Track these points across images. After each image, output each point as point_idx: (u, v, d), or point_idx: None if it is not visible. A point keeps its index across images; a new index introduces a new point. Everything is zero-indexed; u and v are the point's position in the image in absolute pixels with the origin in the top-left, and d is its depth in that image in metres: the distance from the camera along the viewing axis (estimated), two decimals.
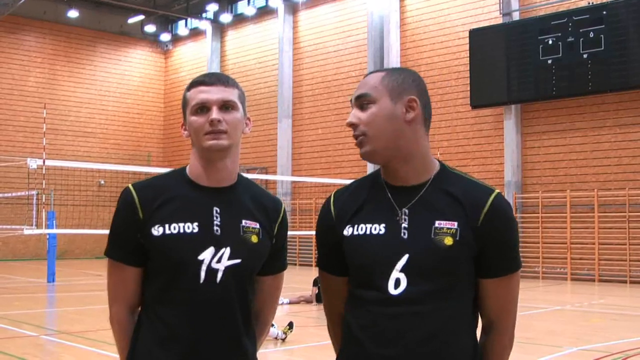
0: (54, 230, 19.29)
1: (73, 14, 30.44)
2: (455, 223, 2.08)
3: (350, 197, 2.25)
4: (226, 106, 2.32)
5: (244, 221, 2.35)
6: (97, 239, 29.49)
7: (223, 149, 2.31)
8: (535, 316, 12.87)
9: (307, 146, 27.36)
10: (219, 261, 2.28)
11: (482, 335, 2.24)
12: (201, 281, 2.26)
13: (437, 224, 2.09)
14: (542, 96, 20.77)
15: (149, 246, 2.29)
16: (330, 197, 2.31)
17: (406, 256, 2.08)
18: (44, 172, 16.65)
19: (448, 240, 2.07)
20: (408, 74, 2.20)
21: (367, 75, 2.24)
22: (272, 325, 9.51)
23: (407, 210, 2.12)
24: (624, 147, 19.70)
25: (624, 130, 19.69)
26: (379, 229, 2.13)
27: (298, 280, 17.56)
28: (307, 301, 14.42)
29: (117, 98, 32.91)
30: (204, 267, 2.26)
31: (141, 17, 32.27)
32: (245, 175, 2.50)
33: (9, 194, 24.82)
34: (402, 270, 2.07)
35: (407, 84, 2.17)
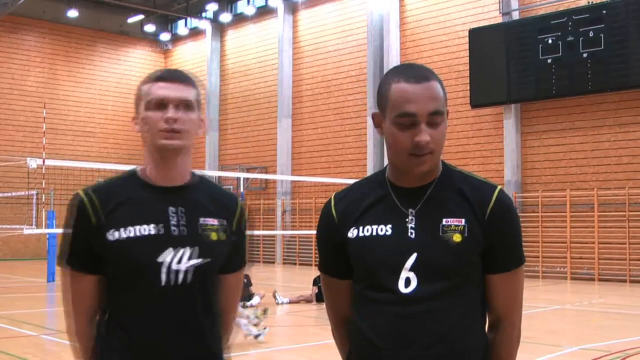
0: (54, 230, 19.29)
1: (73, 13, 30.43)
2: (463, 220, 2.09)
3: (353, 199, 2.22)
4: (184, 105, 2.26)
5: (201, 219, 2.29)
6: None
7: (176, 148, 2.26)
8: (535, 315, 12.87)
9: (307, 146, 27.35)
10: (179, 262, 2.22)
11: (489, 332, 2.24)
12: (162, 284, 2.20)
13: (444, 221, 2.09)
14: (542, 95, 20.76)
15: (104, 252, 2.22)
16: (330, 200, 2.28)
17: (414, 255, 2.07)
18: (43, 171, 16.66)
19: (457, 237, 2.07)
20: (439, 79, 2.18)
21: (418, 79, 2.08)
22: (245, 323, 9.49)
23: (413, 211, 2.12)
24: (623, 147, 19.70)
25: (623, 130, 19.69)
26: (385, 229, 2.12)
27: (298, 279, 17.57)
28: (307, 301, 14.42)
29: (116, 97, 32.89)
30: (164, 269, 2.20)
31: (141, 16, 32.26)
32: (199, 172, 2.44)
33: (9, 194, 24.82)
34: (411, 269, 2.07)
35: (446, 92, 2.16)
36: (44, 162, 15.88)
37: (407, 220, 2.11)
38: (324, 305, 13.77)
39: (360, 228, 2.15)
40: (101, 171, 27.07)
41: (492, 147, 22.24)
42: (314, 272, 16.35)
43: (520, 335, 2.29)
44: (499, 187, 2.17)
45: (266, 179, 27.84)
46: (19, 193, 23.75)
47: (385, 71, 20.46)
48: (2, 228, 22.80)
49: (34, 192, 22.09)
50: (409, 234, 2.09)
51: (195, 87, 2.33)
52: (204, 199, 2.34)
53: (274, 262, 27.12)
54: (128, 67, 33.51)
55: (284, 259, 27.19)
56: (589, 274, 19.96)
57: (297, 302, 14.35)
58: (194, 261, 2.24)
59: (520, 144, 21.59)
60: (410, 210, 2.12)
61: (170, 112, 2.23)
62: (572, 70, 19.95)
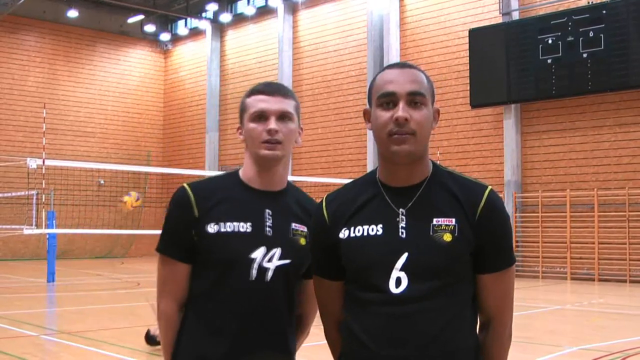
0: (54, 230, 19.29)
1: (73, 13, 30.43)
2: (453, 220, 2.11)
3: (345, 200, 2.24)
4: (283, 117, 2.45)
5: (293, 224, 2.47)
6: (96, 239, 29.53)
7: (277, 158, 2.44)
8: (534, 316, 12.87)
9: (307, 145, 27.35)
10: (269, 260, 2.39)
11: (481, 331, 2.24)
12: (252, 279, 2.36)
13: (435, 221, 2.10)
14: (542, 96, 20.76)
15: (202, 243, 2.39)
16: (322, 201, 2.33)
17: (405, 255, 2.08)
18: (43, 171, 16.65)
19: (447, 237, 2.09)
20: (428, 76, 2.24)
21: (401, 66, 2.19)
22: None
23: (404, 210, 2.13)
24: (623, 147, 19.70)
25: (623, 130, 19.69)
26: (376, 229, 2.13)
27: None
28: None
29: (116, 98, 32.90)
30: (255, 265, 2.37)
31: (141, 16, 32.27)
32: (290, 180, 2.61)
33: (9, 194, 24.82)
34: (402, 269, 2.08)
35: (434, 90, 2.23)
36: (44, 162, 15.88)
37: (397, 219, 2.12)
38: None
39: (352, 229, 2.17)
40: (101, 171, 27.15)
41: (492, 147, 22.24)
42: None
43: (512, 334, 2.29)
44: (490, 187, 2.19)
45: None
46: (19, 193, 23.75)
47: None
48: (2, 228, 22.81)
49: (34, 192, 22.09)
50: (400, 233, 2.11)
51: (294, 99, 2.53)
52: (296, 206, 2.52)
53: None
54: (128, 67, 33.51)
55: None
56: (588, 274, 19.96)
57: None
58: (283, 261, 2.41)
59: (520, 144, 21.59)
60: (401, 209, 2.13)
61: (272, 124, 2.41)
62: (572, 70, 19.95)
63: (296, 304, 2.51)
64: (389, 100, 2.11)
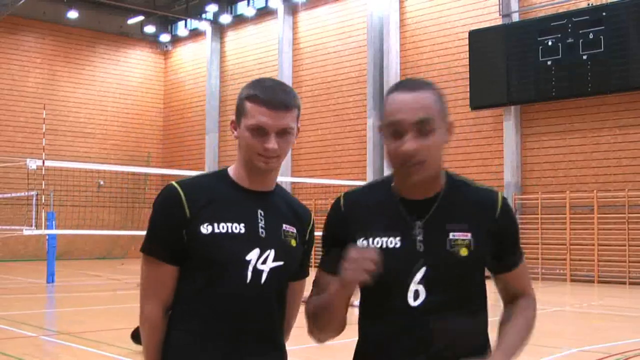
0: (54, 231, 19.29)
1: (73, 14, 30.44)
2: (469, 234, 2.14)
3: (363, 204, 2.25)
4: (284, 132, 2.33)
5: (284, 225, 2.41)
6: (96, 240, 29.50)
7: (271, 170, 2.38)
8: None
9: (306, 147, 27.35)
10: (264, 262, 2.33)
11: (506, 308, 2.33)
12: (247, 281, 2.30)
13: (451, 235, 2.13)
14: (542, 97, 20.77)
15: (194, 244, 2.29)
16: (340, 198, 2.32)
17: (424, 269, 2.11)
18: (43, 172, 16.66)
19: (463, 251, 2.12)
20: (441, 92, 2.18)
21: (410, 89, 2.11)
22: None
23: (421, 223, 2.14)
24: (623, 149, 19.70)
25: (623, 132, 19.69)
26: (394, 242, 2.14)
27: None
28: None
29: (116, 99, 32.91)
30: (250, 268, 2.31)
31: (141, 17, 32.28)
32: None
33: (9, 195, 24.81)
34: (420, 282, 2.11)
35: (445, 105, 2.17)
36: (43, 163, 15.88)
37: (414, 232, 2.13)
38: None
39: (370, 240, 2.17)
40: (101, 172, 27.13)
41: (491, 148, 22.24)
42: (315, 273, 16.34)
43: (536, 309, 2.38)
44: (500, 193, 2.25)
45: None
46: (19, 194, 23.74)
47: (385, 73, 20.35)
48: (1, 229, 22.79)
49: (33, 193, 22.08)
50: (418, 247, 2.12)
51: (297, 105, 2.39)
52: (285, 207, 2.46)
53: None
54: (128, 68, 33.51)
55: None
56: (588, 275, 19.96)
57: None
58: (277, 263, 2.35)
59: (520, 145, 21.59)
60: (417, 222, 2.14)
61: (271, 142, 2.29)
62: (572, 72, 19.96)
63: (285, 305, 2.48)
64: (395, 129, 2.07)
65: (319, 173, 26.10)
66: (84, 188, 26.26)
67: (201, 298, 2.30)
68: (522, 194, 21.55)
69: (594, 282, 19.68)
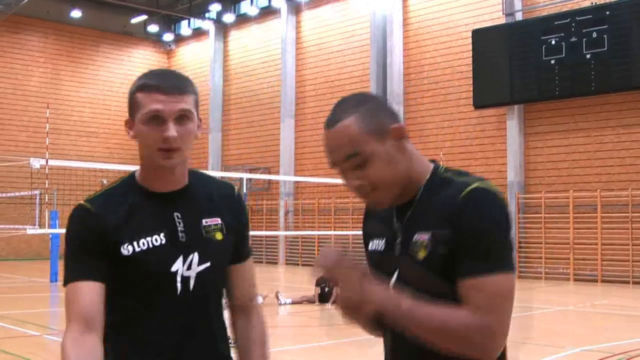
0: (57, 230, 19.30)
1: (76, 13, 30.49)
2: (427, 235, 1.96)
3: (379, 209, 2.22)
4: (182, 117, 2.15)
5: (203, 220, 2.24)
6: None
7: (175, 166, 2.18)
8: (537, 316, 12.86)
9: (310, 146, 27.35)
10: (189, 268, 2.18)
11: None
12: (178, 293, 2.17)
13: (415, 237, 2.00)
14: (545, 96, 20.75)
15: (118, 267, 2.13)
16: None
17: (396, 272, 2.04)
18: (46, 171, 16.66)
19: (422, 253, 1.97)
20: (370, 102, 2.01)
21: (328, 126, 2.03)
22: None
23: (400, 225, 2.07)
24: (627, 148, 19.68)
25: (627, 131, 19.67)
26: (381, 245, 2.12)
27: (300, 280, 17.57)
28: (310, 301, 14.41)
29: (120, 98, 32.90)
30: (178, 278, 2.17)
31: (144, 17, 32.30)
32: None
33: (12, 194, 24.86)
34: (393, 287, 2.02)
35: (380, 114, 1.99)
36: (47, 162, 15.88)
37: (396, 235, 2.07)
38: (327, 306, 13.75)
39: (371, 242, 2.17)
40: (104, 171, 27.12)
41: (495, 148, 22.22)
42: None
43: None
44: (474, 185, 1.93)
45: (269, 180, 27.83)
46: (22, 193, 23.78)
47: (388, 72, 20.30)
48: (5, 228, 22.84)
49: (37, 192, 22.12)
50: (396, 249, 2.06)
51: (193, 91, 2.22)
52: (204, 197, 2.28)
53: (276, 263, 27.12)
54: (131, 67, 33.54)
55: (286, 260, 27.19)
56: (591, 275, 19.94)
57: (300, 302, 14.35)
58: (203, 265, 2.21)
59: (523, 144, 21.57)
60: (398, 224, 2.08)
61: (170, 130, 2.10)
62: (575, 71, 19.94)
63: (222, 302, 2.33)
64: (336, 170, 2.05)
65: (322, 172, 26.08)
66: (88, 187, 26.15)
67: (134, 322, 2.18)
68: (525, 194, 21.54)
69: (597, 281, 19.66)
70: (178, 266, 2.17)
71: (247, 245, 2.43)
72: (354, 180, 1.98)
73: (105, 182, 30.64)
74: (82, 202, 2.19)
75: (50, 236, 19.28)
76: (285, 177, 26.82)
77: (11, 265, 24.99)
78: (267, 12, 29.71)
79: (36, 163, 15.66)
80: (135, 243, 2.14)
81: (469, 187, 1.91)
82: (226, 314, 2.38)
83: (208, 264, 2.22)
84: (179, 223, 2.21)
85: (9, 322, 11.46)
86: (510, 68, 21.35)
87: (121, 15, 32.13)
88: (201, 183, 2.32)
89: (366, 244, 2.20)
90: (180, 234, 2.20)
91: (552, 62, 20.36)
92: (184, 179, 2.27)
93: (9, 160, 24.86)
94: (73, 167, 23.84)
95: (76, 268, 2.12)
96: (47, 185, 17.58)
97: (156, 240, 2.17)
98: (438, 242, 1.94)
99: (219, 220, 2.27)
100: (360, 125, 1.95)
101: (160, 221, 2.19)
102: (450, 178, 2.02)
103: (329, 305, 14.15)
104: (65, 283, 2.13)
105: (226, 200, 2.33)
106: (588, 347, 9.69)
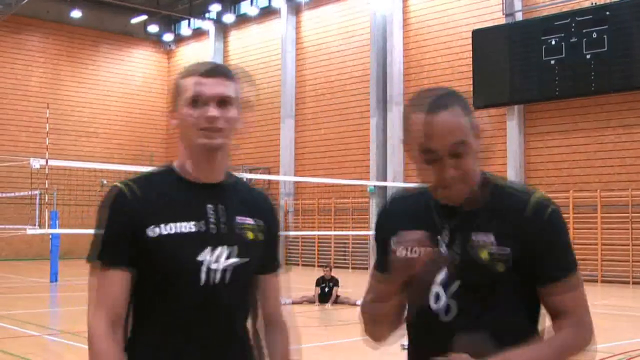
0: (57, 230, 19.32)
1: (76, 14, 30.49)
2: (490, 237, 2.03)
3: (404, 208, 2.23)
4: (223, 102, 2.18)
5: (238, 218, 2.25)
6: None
7: (216, 147, 2.19)
8: None
9: (310, 146, 27.36)
10: (216, 261, 2.18)
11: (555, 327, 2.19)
12: (201, 283, 2.15)
13: (473, 237, 2.04)
14: (545, 97, 20.75)
15: (143, 249, 2.13)
16: (386, 202, 2.34)
17: (445, 271, 2.07)
18: (46, 172, 16.67)
19: (484, 254, 2.02)
20: (464, 99, 2.07)
21: (435, 109, 1.99)
22: None
23: (449, 227, 2.09)
24: (627, 148, 19.68)
25: (627, 131, 19.67)
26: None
27: (300, 280, 17.56)
28: (310, 301, 14.42)
29: (120, 98, 32.95)
30: (203, 269, 2.16)
31: (144, 17, 32.30)
32: (243, 174, 2.40)
33: (12, 194, 24.85)
34: (441, 285, 2.07)
35: (471, 111, 2.07)
36: (47, 162, 15.88)
37: (441, 236, 2.08)
38: (327, 306, 13.75)
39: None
40: (104, 171, 27.13)
41: (495, 148, 22.22)
42: (317, 273, 16.33)
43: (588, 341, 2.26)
44: (537, 194, 2.08)
45: (269, 180, 27.82)
46: (22, 193, 23.78)
47: (388, 72, 20.30)
48: (5, 228, 22.83)
49: (37, 192, 22.12)
50: (442, 250, 2.07)
51: (236, 81, 2.25)
52: (240, 198, 2.30)
53: None
54: (131, 67, 33.55)
55: (286, 260, 27.18)
56: (591, 275, 19.93)
57: (300, 302, 14.34)
58: (232, 260, 2.20)
59: (523, 145, 21.58)
60: (446, 225, 2.09)
61: (211, 110, 2.15)
62: (575, 71, 19.94)
63: (255, 304, 2.33)
64: (430, 156, 1.98)
65: (322, 173, 26.10)
66: (87, 187, 26.26)
67: (154, 308, 2.17)
68: None
69: (597, 281, 19.65)
70: (205, 257, 2.17)
71: (278, 257, 2.44)
72: (450, 169, 1.97)
73: (105, 182, 30.57)
74: (117, 183, 2.23)
75: (50, 236, 19.27)
76: (285, 177, 26.82)
77: (11, 266, 24.99)
78: (267, 12, 29.71)
79: (36, 163, 15.66)
80: (162, 226, 2.15)
81: (537, 200, 2.06)
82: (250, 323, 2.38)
83: (237, 260, 2.21)
84: (211, 215, 2.21)
85: (9, 323, 11.46)
86: (511, 68, 21.35)
87: (121, 15, 32.13)
88: (238, 182, 2.35)
89: (387, 245, 2.10)
90: (211, 226, 2.20)
91: (552, 62, 20.36)
92: (221, 173, 2.28)
93: (9, 160, 24.86)
94: (73, 167, 23.84)
95: (108, 252, 2.16)
96: (47, 186, 17.59)
97: (185, 227, 2.17)
98: (505, 245, 2.02)
99: (252, 221, 2.28)
100: (466, 116, 2.01)
101: (193, 210, 2.20)
102: (501, 184, 2.13)
103: (328, 306, 14.16)
104: (91, 260, 2.18)
105: (261, 206, 2.35)
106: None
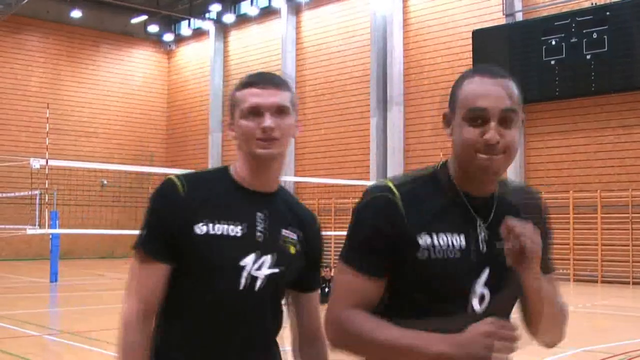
0: (57, 230, 19.32)
1: (76, 14, 30.49)
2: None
3: (422, 198, 1.99)
4: (279, 111, 2.22)
5: (283, 230, 2.29)
6: (99, 239, 29.52)
7: (273, 157, 2.23)
8: None
9: (310, 146, 27.36)
10: (259, 268, 2.21)
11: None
12: (241, 287, 2.18)
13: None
14: (545, 97, 20.74)
15: (188, 244, 2.16)
16: (389, 187, 1.98)
17: (487, 270, 1.98)
18: (46, 172, 16.68)
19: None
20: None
21: (493, 75, 1.95)
22: None
23: (483, 221, 2.01)
24: (627, 148, 19.68)
25: (627, 131, 19.67)
26: (460, 240, 1.97)
27: None
28: None
29: (120, 98, 32.95)
30: (244, 274, 2.19)
31: (144, 17, 32.30)
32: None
33: (12, 194, 24.85)
34: (485, 285, 1.98)
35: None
36: (47, 162, 15.89)
37: (477, 231, 2.00)
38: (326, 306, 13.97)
39: (434, 235, 1.95)
40: (104, 171, 27.17)
41: None
42: None
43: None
44: (533, 188, 2.19)
45: None
46: (23, 193, 23.78)
47: (388, 72, 20.30)
48: (5, 228, 22.82)
49: (37, 192, 22.12)
50: (481, 247, 1.99)
51: (289, 90, 2.29)
52: (287, 211, 2.33)
53: None
54: (131, 67, 33.56)
55: None
56: (591, 276, 19.93)
57: None
58: (273, 270, 2.23)
59: (523, 145, 21.56)
60: (480, 220, 2.01)
61: (267, 121, 2.19)
62: (575, 71, 19.94)
63: (281, 312, 2.33)
64: (478, 116, 1.91)
65: (322, 173, 26.10)
66: (87, 187, 26.29)
67: (189, 305, 2.19)
68: None
69: (597, 282, 19.66)
70: (248, 262, 2.20)
71: (319, 276, 2.50)
72: (495, 134, 1.90)
73: (105, 182, 30.56)
74: (171, 176, 2.26)
75: (50, 236, 19.27)
76: (286, 177, 26.75)
77: (11, 266, 24.99)
78: (267, 12, 29.71)
79: (36, 163, 15.67)
80: (210, 225, 2.18)
81: (535, 191, 2.16)
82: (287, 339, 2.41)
83: (277, 270, 2.24)
84: (260, 223, 2.25)
85: (8, 323, 11.46)
86: (511, 69, 21.26)
87: (121, 15, 32.13)
88: (289, 197, 2.40)
89: (413, 241, 1.94)
90: (258, 233, 2.23)
91: (553, 62, 20.36)
92: (275, 183, 2.33)
93: (9, 160, 24.86)
94: (73, 167, 23.84)
95: (151, 243, 2.21)
96: (47, 186, 17.59)
97: (232, 230, 2.20)
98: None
99: (295, 236, 2.31)
100: (518, 92, 1.98)
101: (242, 214, 2.24)
102: (507, 181, 2.15)
103: None
104: (136, 247, 2.23)
105: (308, 225, 2.38)
106: (588, 347, 9.69)
